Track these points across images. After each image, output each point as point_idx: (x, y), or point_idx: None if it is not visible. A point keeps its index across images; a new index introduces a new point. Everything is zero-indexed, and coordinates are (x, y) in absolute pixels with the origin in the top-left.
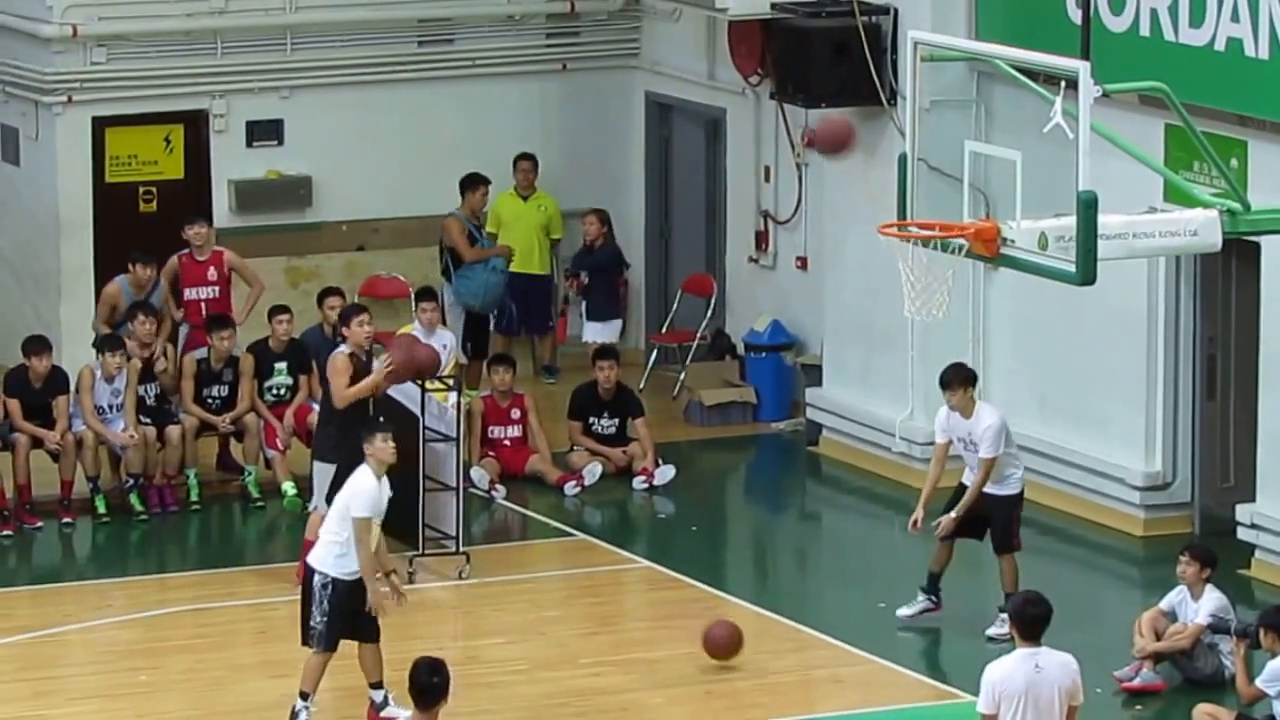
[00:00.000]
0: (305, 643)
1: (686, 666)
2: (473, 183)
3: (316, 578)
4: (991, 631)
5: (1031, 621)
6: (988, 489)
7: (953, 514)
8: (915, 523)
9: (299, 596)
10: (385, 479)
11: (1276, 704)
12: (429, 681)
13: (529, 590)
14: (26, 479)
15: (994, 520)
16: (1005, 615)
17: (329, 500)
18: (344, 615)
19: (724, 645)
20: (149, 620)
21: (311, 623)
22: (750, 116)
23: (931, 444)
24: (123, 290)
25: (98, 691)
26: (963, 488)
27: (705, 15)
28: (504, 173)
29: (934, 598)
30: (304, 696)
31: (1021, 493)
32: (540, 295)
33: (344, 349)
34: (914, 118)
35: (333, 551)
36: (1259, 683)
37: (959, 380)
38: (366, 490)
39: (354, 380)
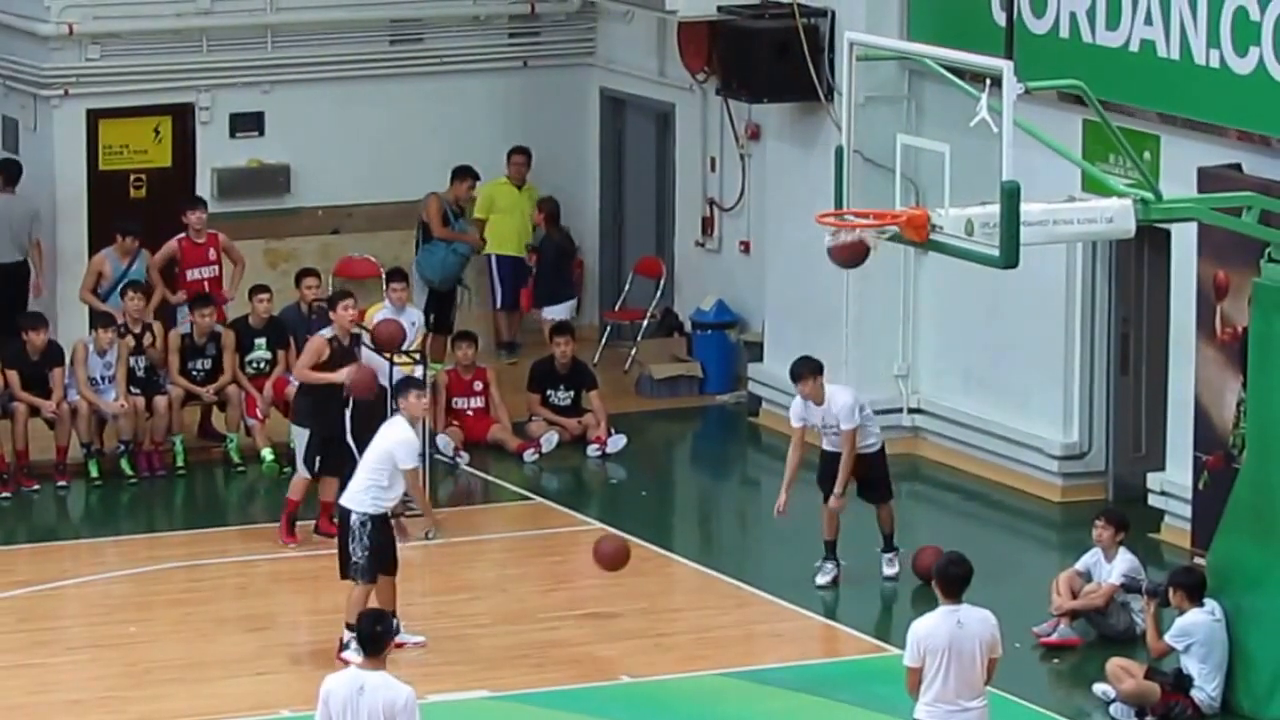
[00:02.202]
0: (345, 577)
1: (637, 621)
2: (462, 174)
3: (354, 517)
4: (888, 571)
5: (954, 580)
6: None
7: (837, 492)
8: (780, 509)
9: (335, 542)
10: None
11: (1184, 658)
12: (374, 630)
13: (491, 550)
14: (25, 445)
15: (866, 477)
16: (890, 555)
17: (306, 461)
18: (381, 549)
19: (610, 558)
20: (139, 576)
21: (353, 558)
22: (698, 111)
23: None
24: (108, 259)
25: (91, 642)
26: (824, 455)
27: (656, 16)
28: (472, 161)
29: (838, 563)
30: (350, 628)
31: (883, 448)
32: (527, 275)
33: (326, 332)
34: (850, 113)
35: (370, 493)
36: (1168, 638)
37: (809, 371)
38: (409, 441)
39: (328, 362)
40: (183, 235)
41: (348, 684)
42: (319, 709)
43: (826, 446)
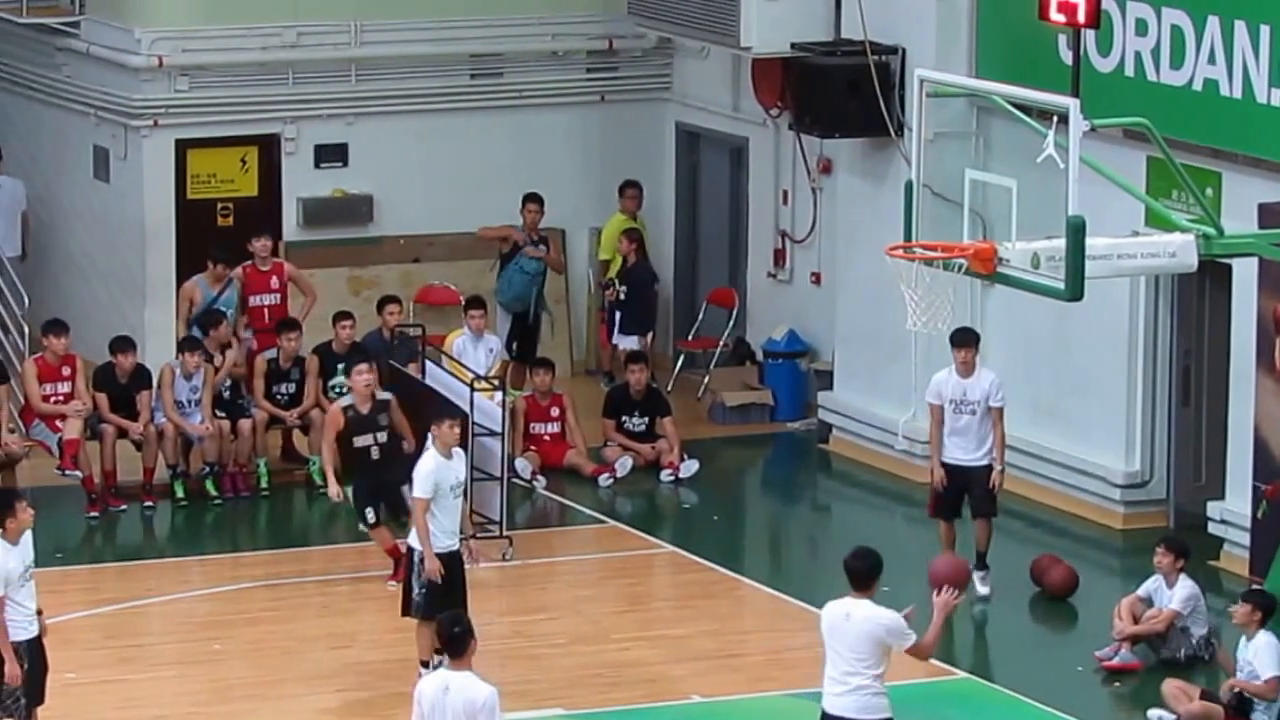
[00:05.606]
0: (405, 613)
1: (708, 642)
2: (528, 200)
3: (415, 554)
4: (981, 591)
5: (851, 573)
6: (967, 459)
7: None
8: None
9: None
10: (460, 455)
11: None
12: (453, 631)
13: (566, 572)
14: (113, 465)
15: (974, 488)
16: (983, 573)
17: (359, 514)
18: (437, 587)
19: (949, 575)
20: (223, 595)
21: (413, 595)
22: (770, 145)
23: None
24: (199, 285)
25: (176, 659)
26: (947, 469)
27: (731, 53)
28: (549, 193)
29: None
30: (425, 665)
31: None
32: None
33: (343, 401)
34: (919, 148)
35: None
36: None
37: (974, 339)
38: (423, 472)
39: (346, 430)
40: (248, 262)
41: (436, 684)
42: (414, 709)
43: (949, 458)
